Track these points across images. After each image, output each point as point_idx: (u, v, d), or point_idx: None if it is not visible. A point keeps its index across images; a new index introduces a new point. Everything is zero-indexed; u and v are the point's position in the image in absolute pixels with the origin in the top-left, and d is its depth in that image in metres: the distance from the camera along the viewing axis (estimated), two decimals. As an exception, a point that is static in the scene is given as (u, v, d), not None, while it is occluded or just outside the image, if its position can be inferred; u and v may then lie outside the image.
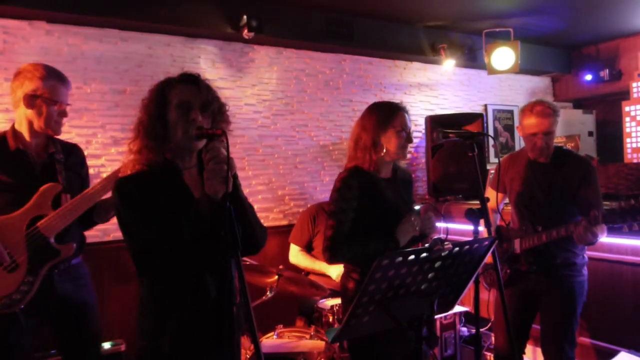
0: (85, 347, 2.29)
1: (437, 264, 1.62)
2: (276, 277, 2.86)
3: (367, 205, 2.10)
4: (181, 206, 1.56)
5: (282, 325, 2.83)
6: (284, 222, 4.17)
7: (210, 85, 1.67)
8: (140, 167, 1.59)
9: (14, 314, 2.02)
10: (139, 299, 1.65)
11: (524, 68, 4.95)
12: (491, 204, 2.82)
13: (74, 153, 2.33)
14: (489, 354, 3.52)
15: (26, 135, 2.16)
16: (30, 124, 2.14)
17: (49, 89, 2.11)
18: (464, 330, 3.67)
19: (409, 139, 2.15)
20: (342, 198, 2.09)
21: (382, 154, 2.13)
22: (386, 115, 2.14)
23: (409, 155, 4.82)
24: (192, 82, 1.63)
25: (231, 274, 1.66)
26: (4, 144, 2.13)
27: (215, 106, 1.65)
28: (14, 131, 2.16)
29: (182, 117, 1.58)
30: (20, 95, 2.10)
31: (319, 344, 2.64)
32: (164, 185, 1.59)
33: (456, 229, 4.12)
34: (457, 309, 3.49)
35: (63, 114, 2.17)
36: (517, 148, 5.57)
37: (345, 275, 2.19)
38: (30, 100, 2.10)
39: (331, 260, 2.08)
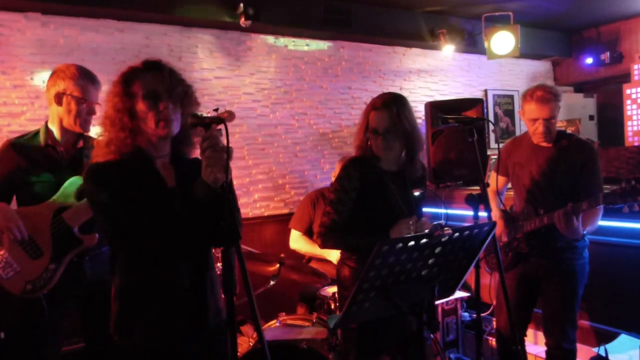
0: (109, 334, 2.34)
1: (437, 250, 1.62)
2: (278, 265, 2.87)
3: (368, 197, 2.12)
4: (154, 194, 1.56)
5: (284, 313, 2.85)
6: (285, 211, 4.17)
7: (174, 69, 1.66)
8: (112, 156, 1.58)
9: (38, 298, 2.13)
10: (114, 290, 1.65)
11: (524, 52, 4.92)
12: (493, 188, 2.83)
13: None
14: (491, 338, 3.54)
15: (57, 132, 2.28)
16: (61, 121, 2.26)
17: (79, 88, 2.22)
18: (466, 315, 3.69)
19: (383, 140, 2.06)
20: (342, 188, 2.12)
21: (367, 144, 2.14)
22: (365, 111, 2.12)
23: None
24: (156, 69, 1.62)
25: (230, 264, 1.66)
26: (36, 140, 2.27)
27: (180, 89, 1.63)
28: (46, 128, 2.29)
29: (151, 107, 1.57)
30: (53, 93, 2.23)
31: (321, 331, 2.66)
32: (136, 173, 1.59)
33: (457, 214, 4.12)
34: (459, 294, 3.50)
35: (92, 111, 2.28)
36: (517, 133, 5.56)
37: (341, 263, 2.21)
38: (60, 98, 2.22)
39: (323, 245, 2.16)
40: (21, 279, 2.12)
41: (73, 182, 2.22)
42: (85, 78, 2.24)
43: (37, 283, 2.13)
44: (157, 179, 1.62)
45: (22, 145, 2.26)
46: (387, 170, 2.16)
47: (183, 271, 1.61)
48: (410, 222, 2.02)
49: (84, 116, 2.25)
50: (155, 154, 1.64)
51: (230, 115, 2.93)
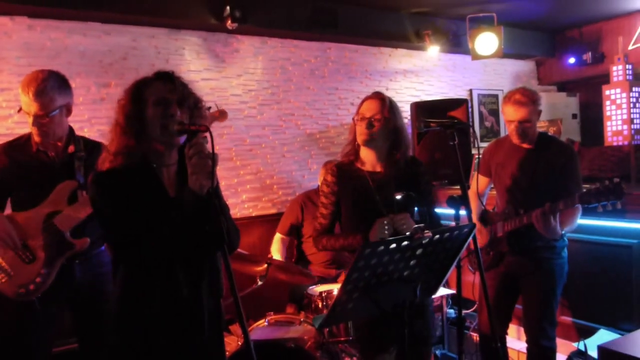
0: (101, 335, 2.35)
1: (419, 251, 1.68)
2: (265, 265, 2.90)
3: (346, 199, 2.21)
4: (154, 204, 1.57)
5: (272, 312, 2.89)
6: (273, 211, 4.21)
7: (185, 81, 1.69)
8: (118, 166, 1.60)
9: (32, 302, 2.17)
10: (114, 293, 1.67)
11: (508, 52, 4.99)
12: (474, 190, 2.90)
13: (95, 151, 2.39)
14: (475, 334, 3.61)
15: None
16: None
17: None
18: (451, 312, 3.75)
19: (368, 125, 2.14)
20: (322, 194, 2.28)
21: (355, 143, 2.23)
22: (358, 106, 2.24)
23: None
24: (167, 79, 1.65)
25: (216, 267, 1.70)
26: (28, 145, 2.27)
27: (191, 101, 1.66)
28: None
29: (160, 113, 1.59)
30: None
31: (309, 330, 2.71)
32: (140, 183, 1.60)
33: (442, 213, 4.18)
34: (445, 291, 3.56)
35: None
36: (502, 132, 5.64)
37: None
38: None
39: (317, 249, 2.30)
40: (15, 283, 2.15)
41: (64, 187, 2.24)
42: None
43: (30, 287, 2.15)
44: (159, 188, 1.63)
45: (15, 151, 2.28)
46: (370, 171, 2.22)
47: (182, 279, 1.62)
48: (385, 222, 2.04)
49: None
50: (161, 163, 1.66)
51: (223, 115, 2.93)
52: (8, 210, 2.32)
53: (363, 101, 2.22)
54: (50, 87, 2.17)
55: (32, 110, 2.16)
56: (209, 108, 2.68)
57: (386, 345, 2.12)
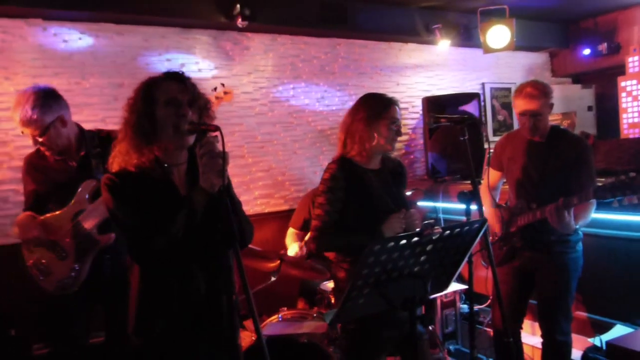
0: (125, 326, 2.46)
1: (429, 247, 1.68)
2: (278, 261, 2.93)
3: (353, 196, 2.15)
4: (168, 205, 1.58)
5: (285, 308, 2.91)
6: (285, 207, 4.23)
7: (194, 82, 1.70)
8: (128, 166, 1.61)
9: (69, 295, 2.37)
10: (133, 290, 1.71)
11: (520, 44, 4.93)
12: (486, 184, 2.88)
13: (110, 141, 2.45)
14: (489, 329, 3.59)
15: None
16: None
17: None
18: (465, 307, 3.74)
19: (398, 132, 2.17)
20: (328, 189, 2.14)
21: (373, 144, 2.14)
22: (380, 107, 2.16)
23: (406, 137, 4.87)
24: (178, 79, 1.66)
25: (229, 265, 1.72)
26: (46, 157, 2.44)
27: (202, 102, 1.68)
28: None
29: (171, 113, 1.60)
30: None
31: (321, 325, 2.73)
32: (152, 183, 1.61)
33: (454, 208, 4.17)
34: (458, 286, 3.56)
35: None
36: (515, 126, 5.58)
37: (336, 265, 2.25)
38: None
39: (318, 249, 2.19)
40: (53, 279, 2.37)
41: (85, 186, 2.38)
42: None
43: (67, 282, 2.35)
44: (171, 187, 1.65)
45: (38, 162, 2.46)
46: (370, 168, 2.21)
47: (199, 276, 1.65)
48: (402, 217, 2.08)
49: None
50: (172, 163, 1.67)
51: (227, 94, 3.00)
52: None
53: (390, 105, 2.17)
54: (33, 108, 2.26)
55: (26, 133, 2.32)
56: (215, 88, 2.76)
57: (383, 346, 2.14)
